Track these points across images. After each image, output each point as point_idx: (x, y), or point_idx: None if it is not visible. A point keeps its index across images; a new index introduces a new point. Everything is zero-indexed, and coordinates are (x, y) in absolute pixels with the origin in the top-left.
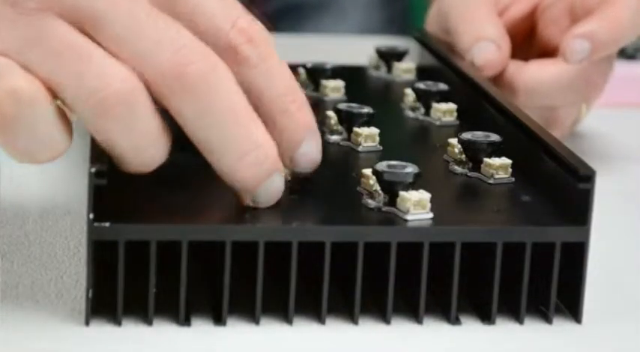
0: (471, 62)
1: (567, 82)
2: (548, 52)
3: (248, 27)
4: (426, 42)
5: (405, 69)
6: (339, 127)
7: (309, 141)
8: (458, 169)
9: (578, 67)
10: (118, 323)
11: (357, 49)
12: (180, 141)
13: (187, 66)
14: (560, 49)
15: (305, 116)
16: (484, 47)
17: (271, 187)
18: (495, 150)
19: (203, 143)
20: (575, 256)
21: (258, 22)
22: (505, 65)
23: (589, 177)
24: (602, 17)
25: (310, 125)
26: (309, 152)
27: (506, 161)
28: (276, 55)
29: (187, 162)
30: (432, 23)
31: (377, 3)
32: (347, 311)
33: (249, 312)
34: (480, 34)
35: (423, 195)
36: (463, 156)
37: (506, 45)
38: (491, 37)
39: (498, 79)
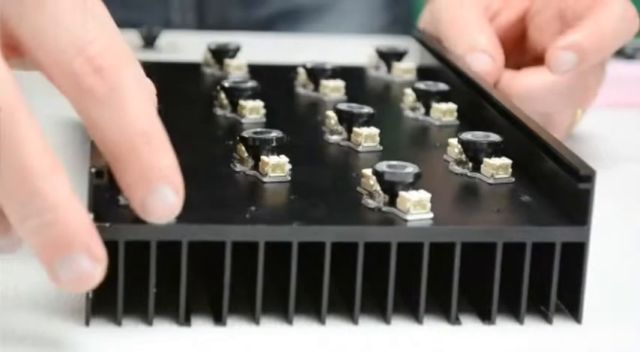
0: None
1: (560, 90)
2: (540, 57)
3: (99, 53)
4: (426, 42)
5: (405, 69)
6: (339, 127)
7: (163, 189)
8: (458, 169)
9: (570, 74)
10: (118, 323)
11: (357, 49)
12: (179, 140)
13: None
14: (546, 60)
15: (159, 160)
16: (478, 58)
17: (71, 267)
18: (495, 150)
19: None
20: (575, 256)
21: (121, 45)
22: (499, 75)
23: (589, 177)
24: (588, 27)
25: (164, 171)
26: (161, 201)
27: (506, 161)
28: (134, 84)
29: (186, 162)
30: (424, 27)
31: (379, 5)
32: (347, 311)
33: (249, 312)
34: (472, 45)
35: (423, 195)
36: (463, 156)
37: (499, 55)
38: (484, 47)
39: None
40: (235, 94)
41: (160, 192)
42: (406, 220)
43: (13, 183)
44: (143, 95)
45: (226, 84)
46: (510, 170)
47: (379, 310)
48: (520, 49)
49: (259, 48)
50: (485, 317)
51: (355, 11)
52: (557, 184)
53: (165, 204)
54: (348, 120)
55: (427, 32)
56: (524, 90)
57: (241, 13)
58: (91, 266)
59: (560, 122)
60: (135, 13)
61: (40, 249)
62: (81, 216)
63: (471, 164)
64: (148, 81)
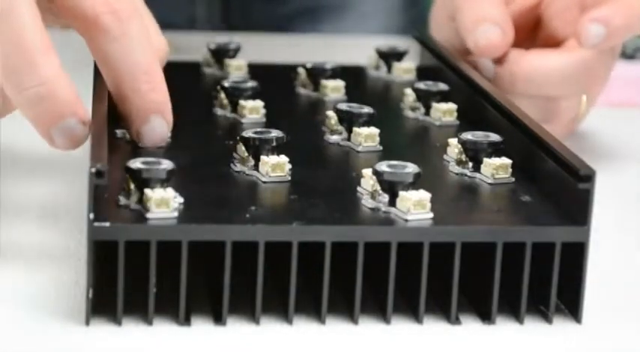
0: (473, 44)
1: (568, 72)
2: (552, 45)
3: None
4: (426, 42)
5: (405, 69)
6: (339, 127)
7: (156, 120)
8: (458, 169)
9: (579, 57)
10: (118, 323)
11: (357, 49)
12: (179, 140)
13: None
14: (576, 33)
15: (156, 97)
16: (488, 29)
17: (65, 132)
18: (495, 150)
19: None
20: (575, 256)
21: None
22: (507, 49)
23: (589, 177)
24: (617, 4)
25: (159, 106)
26: (154, 130)
27: (506, 161)
28: (142, 32)
29: (186, 162)
30: (438, 9)
31: (397, 6)
32: (347, 311)
33: (249, 312)
34: (484, 16)
35: (423, 195)
36: (463, 156)
37: (510, 29)
38: (496, 19)
39: (499, 66)
40: (235, 94)
41: (154, 122)
42: (406, 220)
43: (13, 57)
44: (149, 43)
45: (226, 84)
46: (510, 170)
47: (379, 310)
48: (532, 37)
49: (259, 48)
50: (485, 317)
51: (375, 12)
52: (557, 184)
53: (156, 132)
54: (348, 120)
55: (439, 14)
56: (532, 69)
57: (264, 11)
58: (81, 128)
59: (565, 110)
60: (161, 12)
61: (37, 119)
62: (70, 87)
63: (470, 164)
64: (161, 39)
